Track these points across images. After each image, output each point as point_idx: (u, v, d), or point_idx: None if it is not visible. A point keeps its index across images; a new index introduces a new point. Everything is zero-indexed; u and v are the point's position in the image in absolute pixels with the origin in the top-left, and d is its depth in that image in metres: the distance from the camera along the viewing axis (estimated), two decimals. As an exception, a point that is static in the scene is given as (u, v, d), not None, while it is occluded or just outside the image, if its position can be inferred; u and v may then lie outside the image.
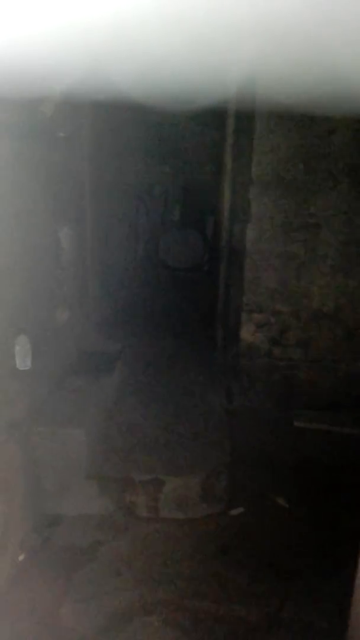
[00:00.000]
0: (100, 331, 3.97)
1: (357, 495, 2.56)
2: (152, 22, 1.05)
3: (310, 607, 2.06)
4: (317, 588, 2.14)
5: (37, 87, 1.51)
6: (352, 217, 2.99)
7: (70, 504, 2.55)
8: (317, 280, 3.11)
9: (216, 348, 3.85)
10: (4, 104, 2.22)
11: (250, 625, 1.99)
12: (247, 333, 3.21)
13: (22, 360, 2.43)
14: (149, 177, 6.32)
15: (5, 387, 2.25)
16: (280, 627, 1.99)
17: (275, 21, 1.06)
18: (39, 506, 2.52)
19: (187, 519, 2.54)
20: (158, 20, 1.04)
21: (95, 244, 3.83)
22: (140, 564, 2.28)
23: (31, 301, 2.64)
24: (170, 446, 2.73)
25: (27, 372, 2.44)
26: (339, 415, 3.19)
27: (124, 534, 2.46)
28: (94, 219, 3.75)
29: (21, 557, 2.32)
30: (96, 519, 2.53)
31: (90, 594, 2.12)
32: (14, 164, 2.39)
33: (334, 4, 0.96)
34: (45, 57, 1.26)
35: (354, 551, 1.51)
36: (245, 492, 2.71)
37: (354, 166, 2.92)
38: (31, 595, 2.10)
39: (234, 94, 3.13)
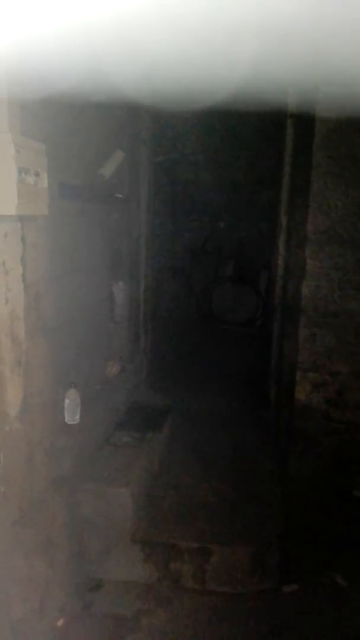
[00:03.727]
0: (151, 385, 3.94)
1: None
2: (155, 22, 1.05)
3: None
4: None
5: (39, 88, 1.55)
6: None
7: (114, 568, 2.44)
8: (377, 339, 2.96)
9: (269, 407, 3.71)
10: (68, 167, 2.33)
11: None
12: (302, 393, 3.07)
13: (71, 414, 2.42)
14: (204, 233, 6.43)
15: (52, 441, 2.24)
16: None
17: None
18: (82, 569, 2.43)
19: (235, 593, 2.37)
20: (162, 21, 1.04)
21: (149, 298, 3.87)
22: (184, 640, 2.12)
23: (83, 355, 2.67)
24: (219, 512, 2.59)
25: (75, 427, 2.43)
26: None
27: (169, 606, 2.32)
28: (148, 273, 3.81)
29: (60, 623, 2.22)
30: (139, 587, 2.41)
31: (130, 670, 1.98)
32: (75, 222, 2.49)
33: None
34: (48, 58, 1.28)
35: None
36: (299, 567, 2.51)
37: None
38: (68, 667, 2.00)
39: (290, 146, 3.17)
